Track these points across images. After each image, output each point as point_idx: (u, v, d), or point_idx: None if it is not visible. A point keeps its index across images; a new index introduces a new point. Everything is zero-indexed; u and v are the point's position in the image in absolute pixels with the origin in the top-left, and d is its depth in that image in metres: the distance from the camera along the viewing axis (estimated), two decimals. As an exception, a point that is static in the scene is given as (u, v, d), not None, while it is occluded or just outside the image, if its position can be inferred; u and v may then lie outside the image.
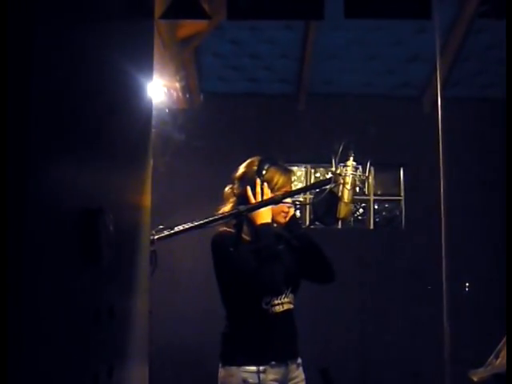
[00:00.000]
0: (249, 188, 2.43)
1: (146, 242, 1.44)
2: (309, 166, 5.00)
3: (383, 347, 4.59)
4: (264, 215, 2.44)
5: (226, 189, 2.54)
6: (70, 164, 0.94)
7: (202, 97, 4.74)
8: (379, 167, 4.97)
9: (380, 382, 4.57)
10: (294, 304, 2.50)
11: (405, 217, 4.95)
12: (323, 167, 5.07)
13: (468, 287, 4.23)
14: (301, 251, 2.50)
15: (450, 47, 4.32)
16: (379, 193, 4.93)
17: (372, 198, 4.91)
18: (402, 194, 4.97)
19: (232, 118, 4.89)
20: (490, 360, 1.84)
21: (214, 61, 4.57)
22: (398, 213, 5.00)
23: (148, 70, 1.53)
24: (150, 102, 1.54)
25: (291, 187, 2.53)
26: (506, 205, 1.65)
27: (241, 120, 4.90)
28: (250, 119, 4.90)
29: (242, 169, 2.52)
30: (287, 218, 2.49)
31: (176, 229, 2.24)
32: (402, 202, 4.97)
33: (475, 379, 1.84)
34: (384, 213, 5.05)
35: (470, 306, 4.41)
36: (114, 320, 1.13)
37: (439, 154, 2.62)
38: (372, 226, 4.97)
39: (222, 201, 2.51)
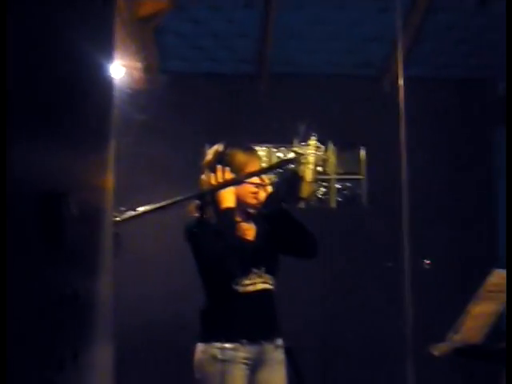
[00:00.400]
0: (211, 174, 2.48)
1: (108, 224, 1.43)
2: (271, 146, 5.00)
3: (346, 325, 4.66)
4: (226, 199, 2.47)
5: (202, 176, 2.60)
6: (29, 146, 0.92)
7: (162, 77, 4.68)
8: (340, 146, 5.00)
9: (342, 358, 4.64)
10: (271, 284, 2.53)
11: (367, 195, 5.00)
12: (285, 147, 5.08)
13: (430, 264, 4.30)
14: (280, 228, 2.53)
15: (409, 27, 4.34)
16: (341, 172, 4.97)
17: (334, 177, 4.94)
18: (364, 172, 5.02)
19: (194, 99, 4.85)
20: (450, 335, 1.88)
21: (175, 40, 4.51)
22: (359, 192, 5.05)
23: (109, 49, 1.50)
24: (112, 83, 1.51)
25: (258, 166, 2.56)
26: (506, 204, 1.68)
27: (203, 100, 4.86)
28: (211, 99, 4.87)
29: (207, 156, 2.59)
30: (259, 198, 2.52)
31: (139, 210, 2.24)
32: (364, 181, 5.02)
33: (436, 353, 1.88)
34: (346, 192, 5.09)
35: (432, 283, 4.49)
36: (78, 304, 1.12)
37: (400, 133, 2.64)
38: (334, 205, 5.01)
39: (197, 186, 2.55)
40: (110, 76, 1.46)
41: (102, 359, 1.34)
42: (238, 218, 2.49)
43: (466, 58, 4.68)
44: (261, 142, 5.01)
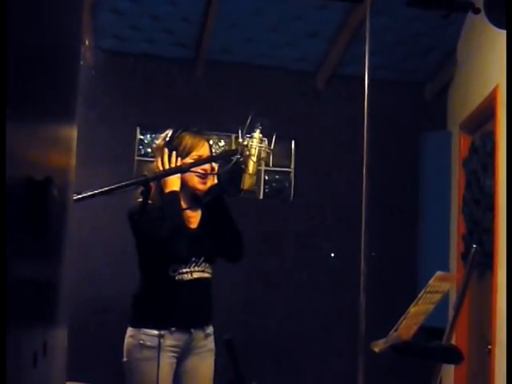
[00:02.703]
0: (159, 159, 2.48)
1: (71, 207, 1.38)
2: (204, 133, 4.96)
3: (272, 316, 4.71)
4: (172, 183, 2.47)
5: (153, 165, 2.62)
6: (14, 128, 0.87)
7: (97, 54, 4.54)
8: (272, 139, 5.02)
9: (270, 351, 4.69)
10: (209, 273, 2.53)
11: (293, 188, 5.06)
12: (217, 135, 5.06)
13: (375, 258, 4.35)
14: (213, 218, 2.54)
15: (349, 26, 4.41)
16: (271, 164, 5.00)
17: (263, 168, 4.97)
18: (292, 166, 5.08)
19: (127, 79, 4.74)
20: (390, 333, 1.95)
21: (112, 18, 4.38)
22: (287, 184, 5.11)
23: (77, 26, 1.44)
24: (79, 59, 1.45)
25: (206, 149, 2.56)
26: (507, 204, 1.74)
27: (136, 81, 4.76)
28: (145, 81, 4.78)
29: (157, 142, 2.60)
30: (208, 184, 2.53)
31: (82, 195, 2.19)
32: (292, 174, 5.08)
33: (376, 350, 1.94)
34: (274, 184, 5.14)
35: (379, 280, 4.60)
36: (49, 292, 1.08)
37: (362, 134, 2.69)
38: (262, 197, 5.05)
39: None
40: (79, 55, 1.41)
41: (60, 342, 1.30)
42: (184, 205, 2.49)
43: (399, 62, 4.81)
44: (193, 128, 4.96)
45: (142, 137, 4.92)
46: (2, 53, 0.78)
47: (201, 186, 2.52)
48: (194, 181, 2.52)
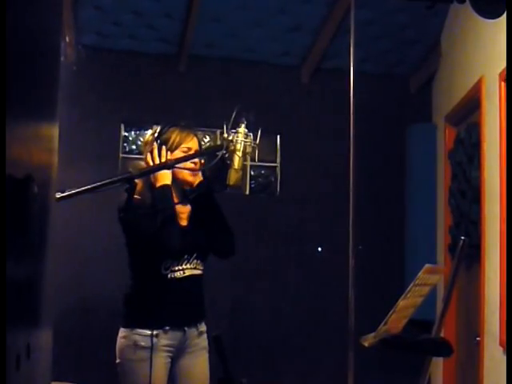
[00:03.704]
0: (148, 154, 2.46)
1: (54, 204, 1.35)
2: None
3: (261, 311, 4.70)
4: (162, 177, 2.45)
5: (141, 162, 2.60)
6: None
7: (79, 51, 4.50)
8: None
9: (260, 346, 4.68)
10: (201, 270, 2.51)
11: (280, 183, 5.05)
12: (201, 131, 5.02)
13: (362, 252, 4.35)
14: (203, 214, 2.51)
15: (332, 19, 4.40)
16: (256, 159, 4.97)
17: (249, 163, 4.95)
18: (278, 160, 5.06)
19: (109, 76, 4.69)
20: (380, 327, 1.94)
21: (94, 14, 4.33)
22: (273, 179, 5.09)
23: (57, 22, 1.41)
24: (59, 56, 1.42)
25: (195, 144, 2.55)
26: (507, 204, 1.73)
27: (118, 78, 4.72)
28: (127, 78, 4.74)
29: (145, 137, 2.58)
30: (196, 177, 2.51)
31: (66, 193, 2.15)
32: (278, 169, 5.06)
33: (366, 344, 1.93)
34: (260, 179, 5.12)
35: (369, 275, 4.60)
36: (31, 293, 1.05)
37: (349, 127, 2.67)
38: (248, 192, 5.03)
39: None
40: (59, 51, 1.38)
41: (44, 344, 1.28)
42: (175, 199, 2.46)
43: (383, 54, 4.81)
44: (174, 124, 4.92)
45: (126, 134, 4.88)
46: (2, 53, 0.76)
47: (191, 178, 2.50)
48: (184, 173, 2.49)
